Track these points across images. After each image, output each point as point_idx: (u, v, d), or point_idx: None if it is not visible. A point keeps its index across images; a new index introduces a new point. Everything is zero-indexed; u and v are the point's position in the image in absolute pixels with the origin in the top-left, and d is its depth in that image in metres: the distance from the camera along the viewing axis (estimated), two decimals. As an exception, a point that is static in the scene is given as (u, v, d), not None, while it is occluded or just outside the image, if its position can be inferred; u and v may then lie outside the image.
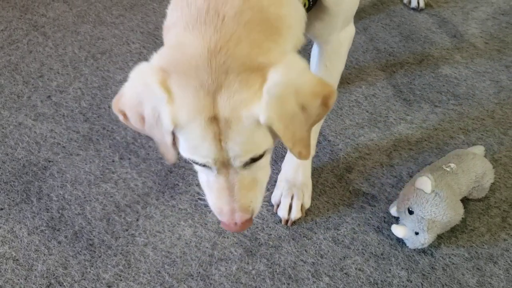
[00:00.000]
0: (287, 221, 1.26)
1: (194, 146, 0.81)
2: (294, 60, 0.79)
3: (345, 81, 1.61)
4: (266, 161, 0.92)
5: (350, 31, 1.14)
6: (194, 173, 1.37)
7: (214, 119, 0.77)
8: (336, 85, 1.21)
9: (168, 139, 0.82)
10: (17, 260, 1.20)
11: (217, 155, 0.82)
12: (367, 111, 1.53)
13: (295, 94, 0.77)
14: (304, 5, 0.92)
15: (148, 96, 0.80)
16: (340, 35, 1.11)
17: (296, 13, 0.87)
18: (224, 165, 0.85)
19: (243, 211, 0.91)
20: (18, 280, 1.16)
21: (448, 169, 1.22)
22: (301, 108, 0.79)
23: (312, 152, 1.31)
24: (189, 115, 0.78)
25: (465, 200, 1.26)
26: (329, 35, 1.09)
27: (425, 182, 1.16)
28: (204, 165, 0.86)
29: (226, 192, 0.90)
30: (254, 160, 0.85)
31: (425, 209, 1.15)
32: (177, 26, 0.80)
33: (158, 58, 0.80)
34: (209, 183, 0.92)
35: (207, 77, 0.76)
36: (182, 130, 0.80)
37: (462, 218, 1.21)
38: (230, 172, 0.87)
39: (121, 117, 0.88)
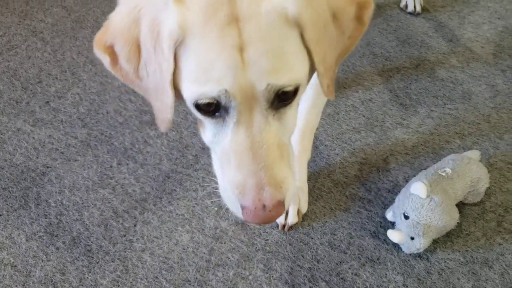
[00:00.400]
0: (283, 226, 1.27)
1: (207, 65, 0.64)
2: None
3: (342, 85, 1.61)
4: (294, 114, 0.74)
5: None
6: (192, 179, 1.37)
7: (233, 20, 0.62)
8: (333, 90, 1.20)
9: (168, 67, 0.65)
10: (15, 266, 1.21)
11: (237, 77, 0.63)
12: (364, 116, 1.54)
13: None
14: None
15: (147, 5, 0.66)
16: None
17: None
18: (246, 102, 0.66)
19: (274, 185, 0.68)
20: (16, 286, 1.17)
21: (443, 174, 1.23)
22: (332, 16, 0.68)
23: (308, 155, 1.32)
24: (202, 13, 0.63)
25: (460, 205, 1.26)
26: None
27: (420, 187, 1.17)
28: (217, 112, 0.68)
29: (250, 155, 0.67)
30: (284, 99, 0.68)
31: (421, 214, 1.16)
32: None
33: None
34: (224, 150, 0.71)
35: None
36: (191, 41, 0.64)
37: (458, 222, 1.22)
38: (254, 120, 0.67)
39: (107, 60, 0.73)
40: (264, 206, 0.68)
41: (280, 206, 0.69)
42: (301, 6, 0.63)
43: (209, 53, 0.63)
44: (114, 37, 0.70)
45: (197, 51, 0.63)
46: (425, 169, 1.32)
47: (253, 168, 0.67)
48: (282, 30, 0.63)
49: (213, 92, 0.64)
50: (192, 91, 0.66)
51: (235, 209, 0.74)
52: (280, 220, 1.27)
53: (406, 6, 1.92)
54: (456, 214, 1.21)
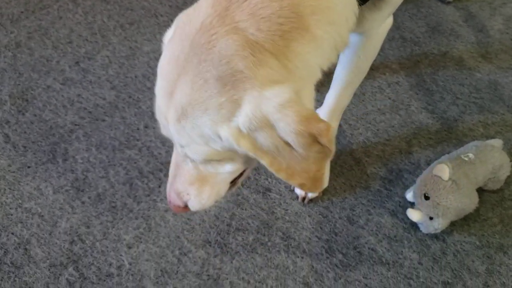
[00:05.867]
0: (303, 198, 1.29)
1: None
2: (278, 91, 0.66)
3: (370, 67, 1.62)
4: (233, 168, 0.82)
5: (389, 22, 1.06)
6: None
7: (171, 94, 0.72)
8: (365, 73, 1.21)
9: None
10: (42, 216, 1.25)
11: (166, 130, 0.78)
12: (390, 98, 1.55)
13: (270, 129, 0.68)
14: None
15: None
16: (380, 27, 1.04)
17: (345, 4, 0.75)
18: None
19: (177, 194, 0.87)
20: (43, 234, 1.21)
21: (466, 158, 1.25)
22: (285, 143, 0.69)
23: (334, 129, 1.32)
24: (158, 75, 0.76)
25: (480, 191, 1.28)
26: (375, 28, 1.00)
27: (443, 169, 1.19)
28: None
29: (173, 168, 0.86)
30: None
31: (441, 196, 1.18)
32: None
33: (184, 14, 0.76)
34: None
35: (184, 52, 0.69)
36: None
37: (476, 207, 1.24)
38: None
39: None
40: (170, 201, 0.89)
41: (179, 208, 0.88)
42: (243, 142, 0.69)
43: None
44: None
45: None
46: (447, 153, 1.33)
47: (173, 174, 0.87)
48: (214, 140, 0.72)
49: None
50: None
51: None
52: (301, 192, 1.29)
53: (438, -7, 1.91)
54: (475, 199, 1.22)
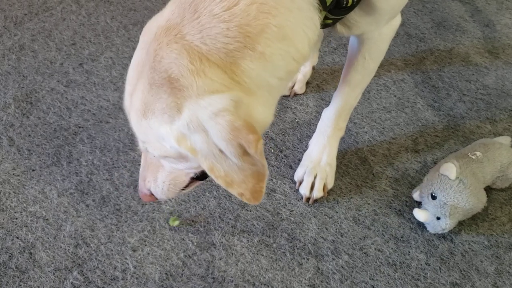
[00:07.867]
0: (308, 198, 1.28)
1: None
2: (213, 101, 0.70)
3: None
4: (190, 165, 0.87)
5: (395, 23, 1.05)
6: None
7: (131, 97, 0.79)
8: (373, 74, 1.19)
9: None
10: (47, 219, 1.24)
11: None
12: (395, 96, 1.53)
13: (205, 134, 0.72)
14: (345, 3, 0.82)
15: None
16: (384, 28, 1.02)
17: (299, 19, 0.77)
18: None
19: (143, 184, 0.96)
20: (48, 238, 1.21)
21: (473, 157, 1.23)
22: (219, 150, 0.73)
23: (342, 134, 1.31)
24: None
25: (488, 189, 1.26)
26: (376, 30, 1.00)
27: (450, 168, 1.17)
28: None
29: (143, 160, 0.96)
30: None
31: (449, 195, 1.16)
32: None
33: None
34: None
35: (142, 59, 0.76)
36: None
37: (484, 206, 1.22)
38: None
39: None
40: (139, 189, 0.99)
41: (146, 196, 0.97)
42: (183, 144, 0.75)
43: None
44: None
45: None
46: (454, 151, 1.31)
47: (143, 165, 0.95)
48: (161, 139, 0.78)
49: None
50: None
51: None
52: (305, 192, 1.28)
53: (443, -12, 1.89)
54: (483, 198, 1.21)
